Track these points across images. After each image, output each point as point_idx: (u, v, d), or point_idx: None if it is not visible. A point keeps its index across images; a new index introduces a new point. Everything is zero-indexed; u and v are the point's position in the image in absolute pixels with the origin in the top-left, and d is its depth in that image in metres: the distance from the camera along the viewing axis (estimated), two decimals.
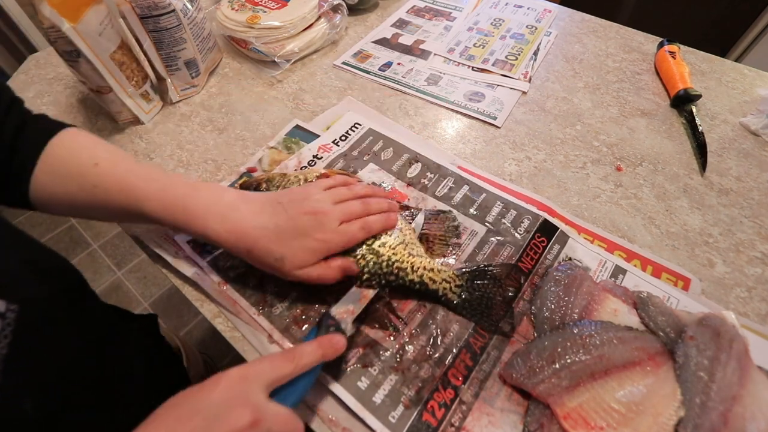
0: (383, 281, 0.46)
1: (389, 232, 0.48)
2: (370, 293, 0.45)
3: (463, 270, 0.48)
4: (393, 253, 0.47)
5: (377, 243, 0.47)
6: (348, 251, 0.46)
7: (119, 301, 1.53)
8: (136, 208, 0.44)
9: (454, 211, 0.55)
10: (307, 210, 0.45)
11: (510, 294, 0.47)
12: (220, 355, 1.32)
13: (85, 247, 1.70)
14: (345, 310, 0.43)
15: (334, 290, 0.46)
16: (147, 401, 0.35)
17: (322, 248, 0.44)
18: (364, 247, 0.47)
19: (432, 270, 0.47)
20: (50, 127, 0.47)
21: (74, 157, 0.46)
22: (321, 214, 0.45)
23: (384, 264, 0.46)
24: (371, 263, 0.46)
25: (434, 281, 0.46)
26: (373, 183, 0.59)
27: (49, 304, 0.40)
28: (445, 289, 0.46)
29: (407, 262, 0.46)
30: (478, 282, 0.47)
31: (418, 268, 0.46)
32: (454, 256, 0.52)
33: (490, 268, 0.48)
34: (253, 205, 0.45)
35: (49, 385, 0.37)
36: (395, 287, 0.47)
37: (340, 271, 0.45)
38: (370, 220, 0.47)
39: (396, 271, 0.46)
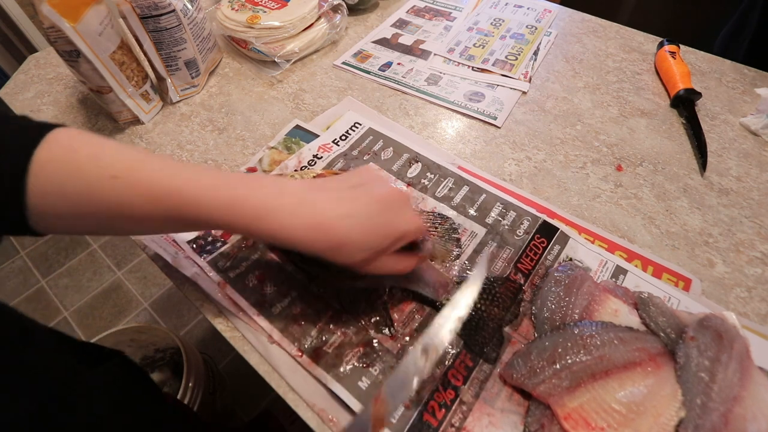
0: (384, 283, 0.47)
1: None
2: (388, 409, 0.35)
3: (465, 278, 0.47)
4: None
5: None
6: None
7: (119, 301, 1.53)
8: (177, 215, 0.36)
9: (452, 219, 0.55)
10: (393, 189, 0.40)
11: (507, 318, 0.46)
12: (220, 355, 1.32)
13: (86, 246, 1.70)
14: None
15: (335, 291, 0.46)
16: None
17: (414, 229, 0.40)
18: None
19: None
20: (32, 133, 0.34)
21: (81, 171, 0.34)
22: (401, 194, 0.40)
23: None
24: None
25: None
26: None
27: None
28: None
29: None
30: (477, 298, 0.45)
31: None
32: (454, 260, 0.52)
33: (494, 286, 0.47)
34: (328, 193, 0.38)
35: None
36: (392, 291, 0.47)
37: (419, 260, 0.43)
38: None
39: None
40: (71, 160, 0.34)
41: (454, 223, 0.54)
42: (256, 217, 0.36)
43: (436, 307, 0.47)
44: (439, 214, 0.55)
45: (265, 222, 0.36)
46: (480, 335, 0.45)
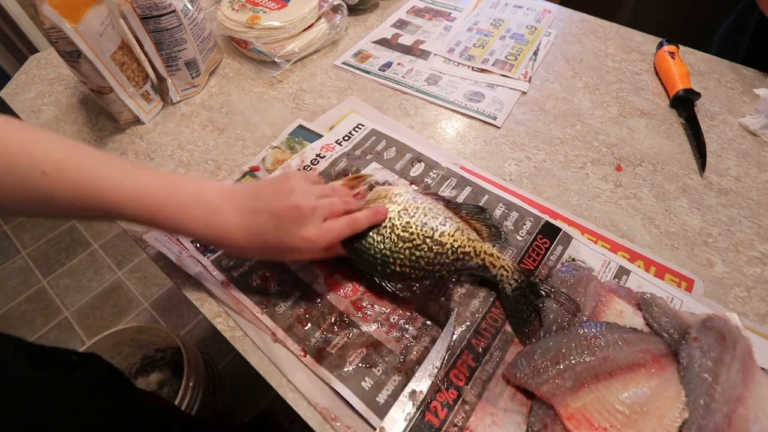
0: (452, 268, 0.48)
1: (443, 222, 0.49)
2: None
3: (527, 270, 0.49)
4: (454, 240, 0.48)
5: (437, 233, 0.48)
6: (411, 246, 0.47)
7: (119, 301, 1.53)
8: (104, 213, 0.41)
9: (489, 210, 0.55)
10: (292, 205, 0.43)
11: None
12: (220, 355, 1.32)
13: (86, 246, 1.70)
14: None
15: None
16: None
17: (309, 247, 0.43)
18: (427, 240, 0.47)
19: (492, 255, 0.48)
20: None
21: (11, 165, 0.37)
22: (307, 210, 0.43)
23: (449, 252, 0.47)
24: (437, 255, 0.47)
25: (494, 266, 0.47)
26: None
27: None
28: (502, 276, 0.47)
29: (469, 246, 0.48)
30: (534, 296, 0.47)
31: (480, 251, 0.48)
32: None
33: (558, 297, 0.47)
34: (234, 203, 0.44)
35: None
36: (461, 272, 0.49)
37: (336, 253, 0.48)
38: (357, 216, 0.47)
39: (462, 255, 0.47)
40: (3, 153, 0.37)
41: (490, 214, 0.54)
42: (173, 225, 0.42)
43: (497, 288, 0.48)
44: (475, 205, 0.55)
45: (181, 229, 0.43)
46: (527, 327, 0.46)
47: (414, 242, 0.47)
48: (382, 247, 0.48)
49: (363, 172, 0.60)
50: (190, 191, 0.43)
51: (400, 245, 0.47)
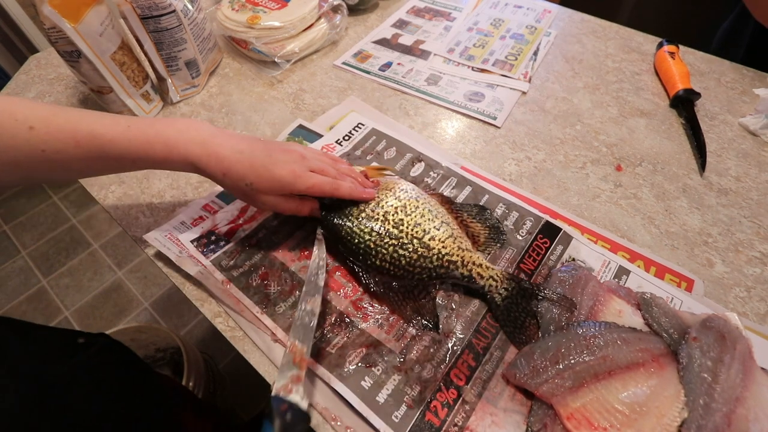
0: (434, 274, 0.47)
1: (438, 226, 0.49)
2: (302, 349, 0.41)
3: (516, 276, 0.48)
4: (443, 246, 0.48)
5: (427, 237, 0.48)
6: (396, 244, 0.47)
7: (119, 301, 1.53)
8: (101, 155, 0.43)
9: (490, 210, 0.55)
10: (284, 149, 0.48)
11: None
12: (220, 355, 1.32)
13: (86, 246, 1.70)
14: (287, 382, 0.39)
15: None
16: None
17: (290, 180, 0.46)
18: (415, 241, 0.48)
19: (480, 266, 0.48)
20: None
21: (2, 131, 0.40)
22: (296, 155, 0.48)
23: (434, 257, 0.47)
24: (421, 257, 0.47)
25: (482, 277, 0.47)
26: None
27: None
28: (491, 286, 0.47)
29: (457, 256, 0.47)
30: (528, 301, 0.46)
31: (468, 262, 0.47)
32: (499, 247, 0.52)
33: (552, 298, 0.47)
34: (233, 137, 0.47)
35: None
36: (443, 280, 0.48)
37: (311, 209, 0.51)
38: (341, 182, 0.49)
39: (447, 263, 0.47)
40: None
41: (491, 213, 0.55)
42: (174, 146, 0.44)
43: (485, 299, 0.48)
44: (478, 205, 0.55)
45: (180, 150, 0.44)
46: (523, 333, 0.45)
47: (401, 240, 0.48)
48: (368, 238, 0.48)
49: (388, 170, 0.60)
50: (187, 123, 0.46)
51: (386, 240, 0.48)
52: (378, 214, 0.49)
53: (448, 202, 0.54)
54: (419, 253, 0.47)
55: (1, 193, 0.46)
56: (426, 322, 0.46)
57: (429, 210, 0.50)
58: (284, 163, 0.47)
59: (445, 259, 0.47)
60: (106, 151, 0.43)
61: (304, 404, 0.38)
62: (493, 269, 0.48)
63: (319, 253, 0.50)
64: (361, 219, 0.49)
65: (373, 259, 0.48)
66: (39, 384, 0.41)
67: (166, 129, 0.45)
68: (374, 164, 0.60)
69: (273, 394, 0.38)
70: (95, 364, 0.50)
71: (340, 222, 0.50)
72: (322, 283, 0.47)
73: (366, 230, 0.48)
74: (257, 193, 0.47)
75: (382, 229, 0.48)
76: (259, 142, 0.48)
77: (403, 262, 0.47)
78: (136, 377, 0.56)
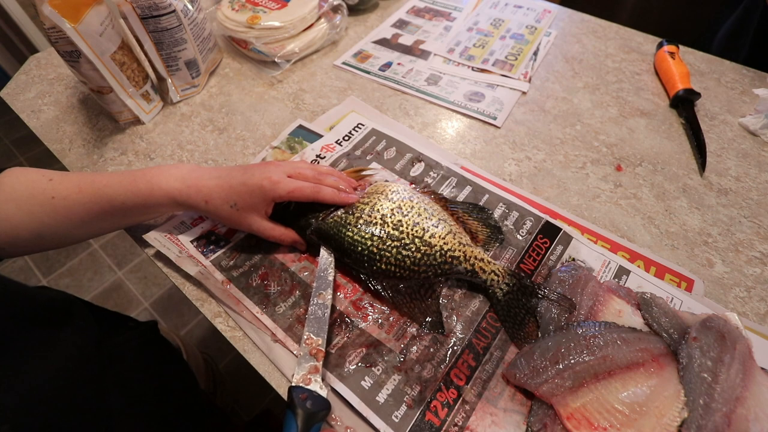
0: (439, 271, 0.47)
1: (436, 224, 0.49)
2: (317, 341, 0.44)
3: (518, 273, 0.48)
4: (444, 243, 0.48)
5: (427, 234, 0.48)
6: (399, 245, 0.47)
7: (119, 301, 1.53)
8: (97, 199, 0.47)
9: (488, 209, 0.55)
10: (261, 164, 0.51)
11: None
12: (220, 354, 1.32)
13: (86, 246, 1.70)
14: (306, 373, 0.42)
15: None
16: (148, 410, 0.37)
17: (269, 186, 0.47)
18: (416, 240, 0.48)
19: (482, 260, 0.48)
20: None
21: (27, 181, 0.48)
22: (272, 165, 0.50)
23: (437, 254, 0.47)
24: (425, 256, 0.47)
25: (484, 271, 0.47)
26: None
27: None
28: (492, 281, 0.47)
29: (459, 251, 0.48)
30: (528, 298, 0.47)
31: (470, 257, 0.48)
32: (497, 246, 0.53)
33: (551, 297, 0.47)
34: (211, 169, 0.51)
35: (27, 408, 0.39)
36: (448, 276, 0.48)
37: (293, 241, 0.51)
38: (323, 187, 0.50)
39: (450, 259, 0.47)
40: (20, 175, 0.49)
41: (490, 212, 0.55)
42: (157, 183, 0.47)
43: (487, 293, 0.48)
44: (473, 204, 0.55)
45: (162, 186, 0.47)
46: (522, 330, 0.46)
47: (402, 241, 0.48)
48: (370, 243, 0.48)
49: (366, 170, 0.60)
50: (169, 165, 0.50)
51: (388, 243, 0.48)
52: (375, 218, 0.49)
53: (442, 200, 0.54)
54: (422, 251, 0.47)
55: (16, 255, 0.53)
56: (435, 324, 0.46)
57: (425, 208, 0.50)
58: (260, 173, 0.48)
59: (448, 255, 0.47)
60: (101, 194, 0.47)
61: (323, 393, 0.40)
62: (495, 264, 0.48)
63: (326, 250, 0.51)
64: (360, 226, 0.49)
65: (379, 264, 0.48)
66: (98, 348, 0.52)
67: (152, 170, 0.49)
68: (349, 168, 0.60)
69: (293, 384, 0.40)
70: (141, 343, 0.65)
71: (340, 234, 0.49)
72: (332, 278, 0.48)
73: (367, 236, 0.48)
74: (243, 214, 0.49)
75: (383, 232, 0.48)
76: (237, 167, 0.50)
77: (408, 262, 0.47)
78: (173, 361, 0.70)
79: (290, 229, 0.51)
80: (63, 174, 0.49)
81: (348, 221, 0.50)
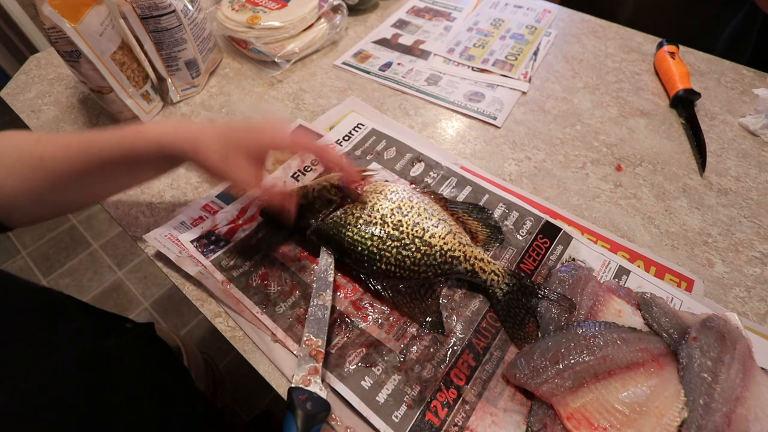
0: (439, 271, 0.48)
1: (436, 224, 0.49)
2: (317, 342, 0.44)
3: (518, 273, 0.48)
4: (444, 243, 0.48)
5: (427, 234, 0.48)
6: (399, 246, 0.47)
7: (119, 301, 1.53)
8: (86, 155, 0.46)
9: (488, 209, 0.55)
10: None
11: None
12: (220, 354, 1.32)
13: (86, 246, 1.70)
14: (306, 374, 0.42)
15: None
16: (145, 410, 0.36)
17: (270, 133, 0.47)
18: (416, 240, 0.48)
19: (482, 260, 0.48)
20: None
21: (14, 144, 0.46)
22: (277, 123, 0.50)
23: (437, 254, 0.47)
24: (425, 256, 0.47)
25: (484, 271, 0.47)
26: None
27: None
28: (492, 281, 0.47)
29: (459, 251, 0.48)
30: (528, 298, 0.47)
31: (470, 257, 0.48)
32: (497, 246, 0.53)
33: (551, 297, 0.46)
34: (200, 123, 0.50)
35: (17, 411, 0.38)
36: (448, 276, 0.48)
37: (290, 200, 0.50)
38: (322, 144, 0.51)
39: (450, 259, 0.47)
40: (6, 140, 0.46)
41: (490, 212, 0.55)
42: (145, 132, 0.46)
43: (487, 293, 0.48)
44: (473, 204, 0.55)
45: (151, 135, 0.46)
46: (523, 330, 0.46)
47: (402, 241, 0.48)
48: (371, 243, 0.48)
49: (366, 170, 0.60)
50: (162, 121, 0.51)
51: (388, 243, 0.48)
52: (375, 218, 0.49)
53: (442, 200, 0.54)
54: (422, 251, 0.47)
55: (21, 225, 0.52)
56: (435, 324, 0.46)
57: (424, 208, 0.50)
58: (264, 121, 0.49)
59: (448, 255, 0.47)
60: (89, 149, 0.46)
61: (323, 394, 0.40)
62: (495, 264, 0.48)
63: (326, 251, 0.51)
64: (360, 226, 0.49)
65: (379, 264, 0.48)
66: (93, 350, 0.50)
67: (143, 124, 0.49)
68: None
69: (293, 386, 0.40)
70: (138, 346, 0.63)
71: (340, 234, 0.49)
72: (332, 279, 0.48)
73: (367, 236, 0.48)
74: (232, 155, 0.45)
75: (383, 232, 0.48)
76: (225, 124, 0.49)
77: (408, 262, 0.47)
78: (170, 362, 0.68)
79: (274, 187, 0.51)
80: (51, 134, 0.48)
81: (348, 221, 0.50)
